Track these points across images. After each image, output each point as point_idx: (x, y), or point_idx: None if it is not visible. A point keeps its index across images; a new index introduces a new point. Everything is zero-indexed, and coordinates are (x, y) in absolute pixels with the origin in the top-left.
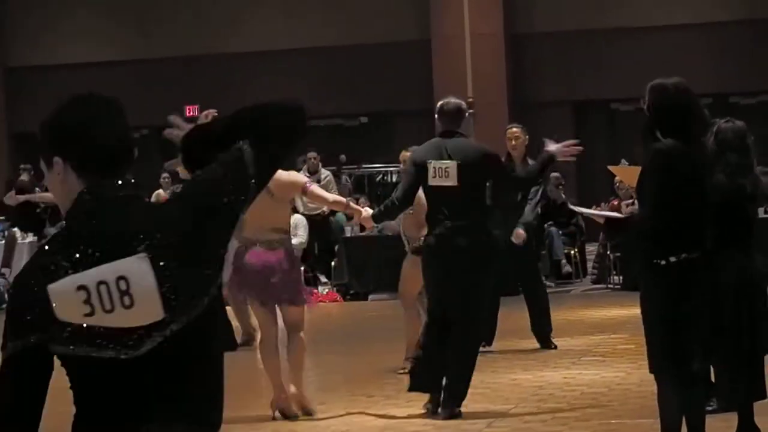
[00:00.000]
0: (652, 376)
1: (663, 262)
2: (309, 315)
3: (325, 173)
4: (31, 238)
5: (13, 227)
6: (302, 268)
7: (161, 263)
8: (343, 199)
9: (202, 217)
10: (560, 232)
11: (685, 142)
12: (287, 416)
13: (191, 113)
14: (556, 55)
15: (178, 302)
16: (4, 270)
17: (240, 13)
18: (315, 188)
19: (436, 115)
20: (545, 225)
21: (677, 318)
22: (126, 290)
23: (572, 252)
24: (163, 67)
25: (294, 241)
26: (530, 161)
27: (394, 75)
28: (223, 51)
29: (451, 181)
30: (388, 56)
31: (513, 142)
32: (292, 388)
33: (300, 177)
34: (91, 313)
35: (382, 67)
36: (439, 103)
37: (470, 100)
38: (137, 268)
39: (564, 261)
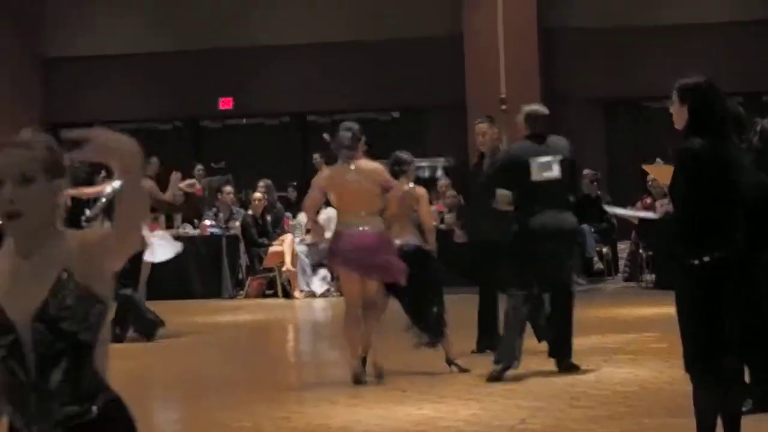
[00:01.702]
0: (684, 375)
1: (696, 262)
2: (333, 310)
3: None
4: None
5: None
6: None
7: None
8: (433, 232)
9: None
10: (592, 230)
11: (717, 141)
12: (359, 381)
13: (224, 106)
14: (588, 50)
15: None
16: None
17: (273, 5)
18: (426, 207)
19: (526, 119)
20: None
21: (711, 317)
22: None
23: (604, 250)
24: (195, 59)
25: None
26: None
27: (426, 69)
28: (256, 44)
29: (555, 174)
30: (420, 51)
31: (480, 138)
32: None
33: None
34: None
35: (414, 61)
36: (534, 108)
37: (503, 97)
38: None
39: (596, 258)
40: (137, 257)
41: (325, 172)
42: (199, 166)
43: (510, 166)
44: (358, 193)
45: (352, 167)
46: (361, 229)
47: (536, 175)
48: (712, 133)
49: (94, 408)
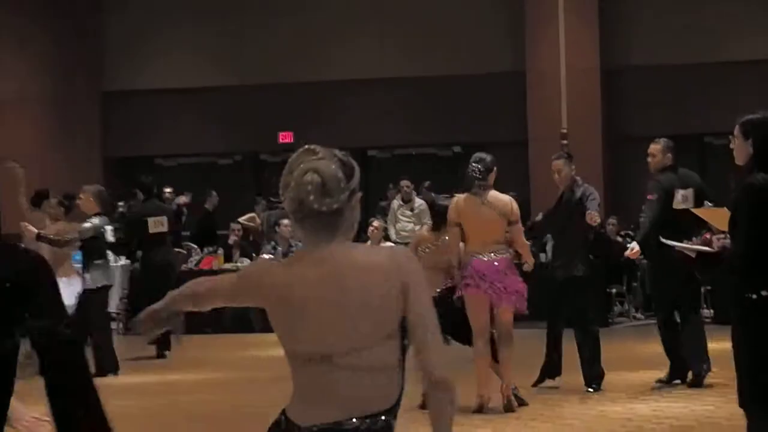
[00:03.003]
0: (741, 411)
1: (754, 296)
2: None
3: (419, 201)
4: (123, 261)
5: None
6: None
7: None
8: (528, 247)
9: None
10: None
11: None
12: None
13: (284, 140)
14: (651, 88)
15: None
16: None
17: (336, 40)
18: (519, 227)
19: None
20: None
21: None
22: None
23: None
24: (256, 94)
25: None
26: (581, 186)
27: (488, 106)
28: (317, 79)
29: (690, 204)
30: (483, 87)
31: (557, 176)
32: (500, 383)
33: (517, 210)
34: None
35: (478, 98)
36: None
37: (564, 131)
38: None
39: None
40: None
41: (454, 203)
42: (261, 200)
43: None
44: (489, 223)
45: (484, 198)
46: (491, 256)
47: (678, 205)
48: None
49: None
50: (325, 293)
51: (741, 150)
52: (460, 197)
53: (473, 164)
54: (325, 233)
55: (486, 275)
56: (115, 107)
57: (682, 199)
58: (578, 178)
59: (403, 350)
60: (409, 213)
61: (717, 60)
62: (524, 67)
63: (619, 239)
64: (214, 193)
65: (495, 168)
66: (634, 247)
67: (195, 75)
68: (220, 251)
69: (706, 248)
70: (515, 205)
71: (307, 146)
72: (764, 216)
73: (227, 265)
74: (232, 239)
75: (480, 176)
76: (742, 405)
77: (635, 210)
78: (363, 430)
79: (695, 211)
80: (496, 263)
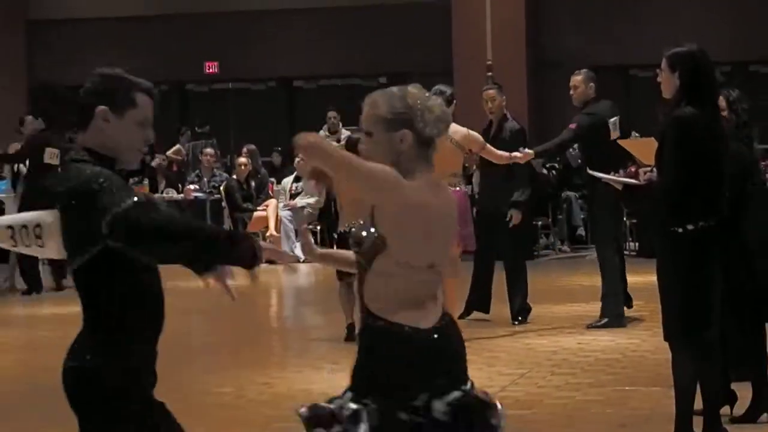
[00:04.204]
0: (666, 344)
1: (680, 230)
2: (317, 276)
3: (345, 133)
4: None
5: None
6: (318, 227)
7: (65, 219)
8: (506, 154)
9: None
10: (577, 196)
11: (708, 111)
12: None
13: (210, 70)
14: (576, 17)
15: (71, 249)
16: None
17: None
18: (489, 147)
19: (592, 81)
20: (562, 191)
21: (693, 285)
22: (39, 235)
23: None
24: (181, 24)
25: (310, 200)
26: (510, 121)
27: (413, 35)
28: (244, 8)
29: (617, 134)
30: (407, 17)
31: (489, 105)
32: None
33: (479, 136)
34: (15, 245)
35: (402, 27)
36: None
37: (489, 63)
38: (50, 220)
39: (581, 227)
40: None
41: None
42: (185, 130)
43: (599, 125)
44: (446, 156)
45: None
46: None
47: (614, 135)
48: (703, 102)
49: None
50: (445, 214)
51: (668, 83)
52: None
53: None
54: (428, 163)
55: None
56: (40, 36)
57: (612, 127)
58: (507, 112)
59: None
60: (335, 144)
61: None
62: None
63: (545, 171)
64: None
65: (454, 101)
66: (528, 152)
67: (120, 4)
68: (146, 182)
69: (633, 180)
70: (473, 133)
71: (412, 85)
72: (690, 149)
73: (154, 196)
74: (156, 163)
75: None
76: (666, 338)
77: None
78: (449, 325)
79: (622, 142)
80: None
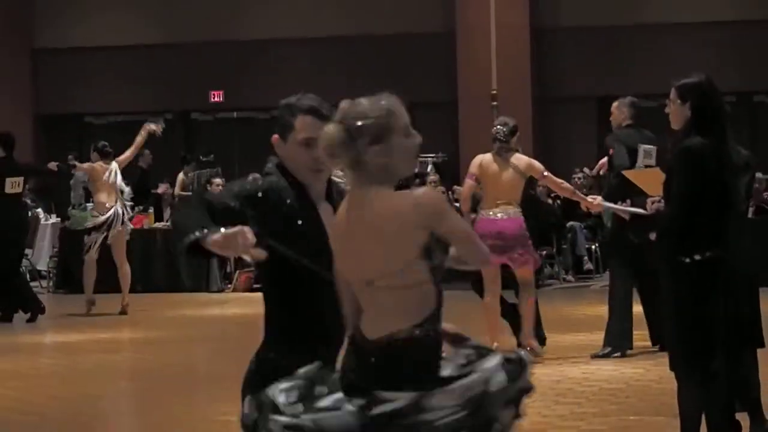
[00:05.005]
0: (671, 373)
1: (687, 260)
2: None
3: None
4: (54, 219)
5: (37, 208)
6: None
7: None
8: (570, 187)
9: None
10: (582, 227)
11: (717, 141)
12: None
13: (215, 99)
14: (581, 49)
15: None
16: (27, 251)
17: None
18: (550, 176)
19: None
20: (567, 220)
21: (698, 315)
22: None
23: (593, 247)
24: (187, 52)
25: None
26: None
27: (418, 66)
28: (249, 37)
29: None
30: (412, 47)
31: None
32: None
33: (540, 165)
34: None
35: (406, 57)
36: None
37: (494, 92)
38: None
39: (585, 257)
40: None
41: (478, 158)
42: (190, 158)
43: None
44: (507, 183)
45: (507, 159)
46: (504, 215)
47: (641, 162)
48: (713, 133)
49: None
50: (353, 229)
51: (678, 114)
52: (484, 155)
53: (498, 126)
54: (356, 180)
55: (501, 234)
56: (45, 64)
57: (644, 154)
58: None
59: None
60: (340, 173)
61: (648, 22)
62: (454, 27)
63: (549, 201)
64: (147, 151)
65: (518, 132)
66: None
67: (126, 33)
68: (151, 210)
69: (640, 210)
70: (535, 162)
71: (342, 102)
72: (699, 179)
73: (158, 224)
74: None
75: (503, 139)
76: (672, 367)
77: (564, 171)
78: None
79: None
80: (509, 222)
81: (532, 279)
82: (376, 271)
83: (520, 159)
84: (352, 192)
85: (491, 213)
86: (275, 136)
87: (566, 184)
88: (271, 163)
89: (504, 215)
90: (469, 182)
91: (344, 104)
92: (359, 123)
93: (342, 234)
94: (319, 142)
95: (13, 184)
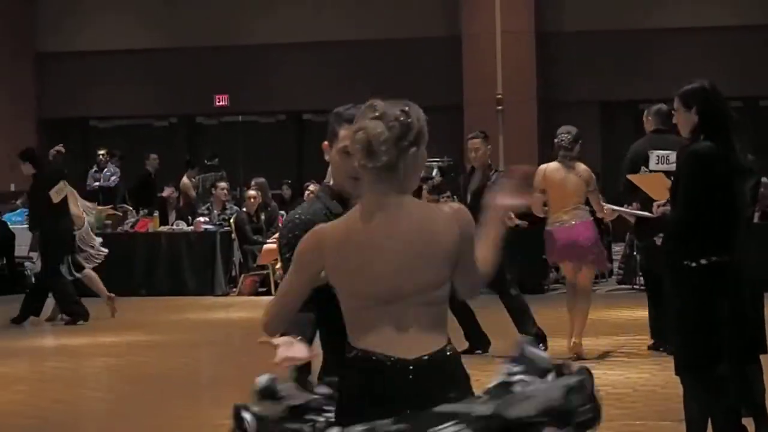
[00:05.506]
0: (677, 378)
1: (693, 264)
2: None
3: None
4: None
5: None
6: None
7: None
8: (607, 207)
9: None
10: None
11: (724, 146)
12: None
13: (220, 103)
14: (585, 54)
15: None
16: (32, 254)
17: (271, 3)
18: (598, 193)
19: (650, 116)
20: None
21: (705, 320)
22: None
23: None
24: (192, 56)
25: None
26: (495, 172)
27: (423, 71)
28: (253, 42)
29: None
30: (417, 52)
31: (473, 154)
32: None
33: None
34: None
35: (412, 63)
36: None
37: (499, 96)
38: None
39: None
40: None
41: (541, 170)
42: (195, 162)
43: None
44: (573, 189)
45: (571, 167)
46: (574, 221)
47: (653, 166)
48: (721, 137)
49: None
50: (383, 240)
51: (685, 121)
52: (547, 165)
53: (561, 135)
54: (382, 186)
55: (578, 241)
56: (50, 68)
57: (655, 159)
58: (492, 164)
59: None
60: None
61: (653, 26)
62: (459, 31)
63: None
64: (153, 155)
65: (581, 140)
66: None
67: (130, 37)
68: (156, 214)
69: (646, 213)
70: (593, 176)
71: (371, 102)
72: (706, 183)
73: (163, 228)
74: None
75: (568, 146)
76: (677, 372)
77: None
78: (447, 358)
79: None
80: (582, 227)
81: (590, 287)
82: (416, 285)
83: (581, 166)
84: (371, 199)
85: (564, 219)
86: (325, 143)
87: (606, 206)
88: (319, 188)
89: (576, 220)
90: (537, 195)
91: (378, 102)
92: (408, 121)
93: (367, 245)
94: (357, 136)
95: (59, 192)
